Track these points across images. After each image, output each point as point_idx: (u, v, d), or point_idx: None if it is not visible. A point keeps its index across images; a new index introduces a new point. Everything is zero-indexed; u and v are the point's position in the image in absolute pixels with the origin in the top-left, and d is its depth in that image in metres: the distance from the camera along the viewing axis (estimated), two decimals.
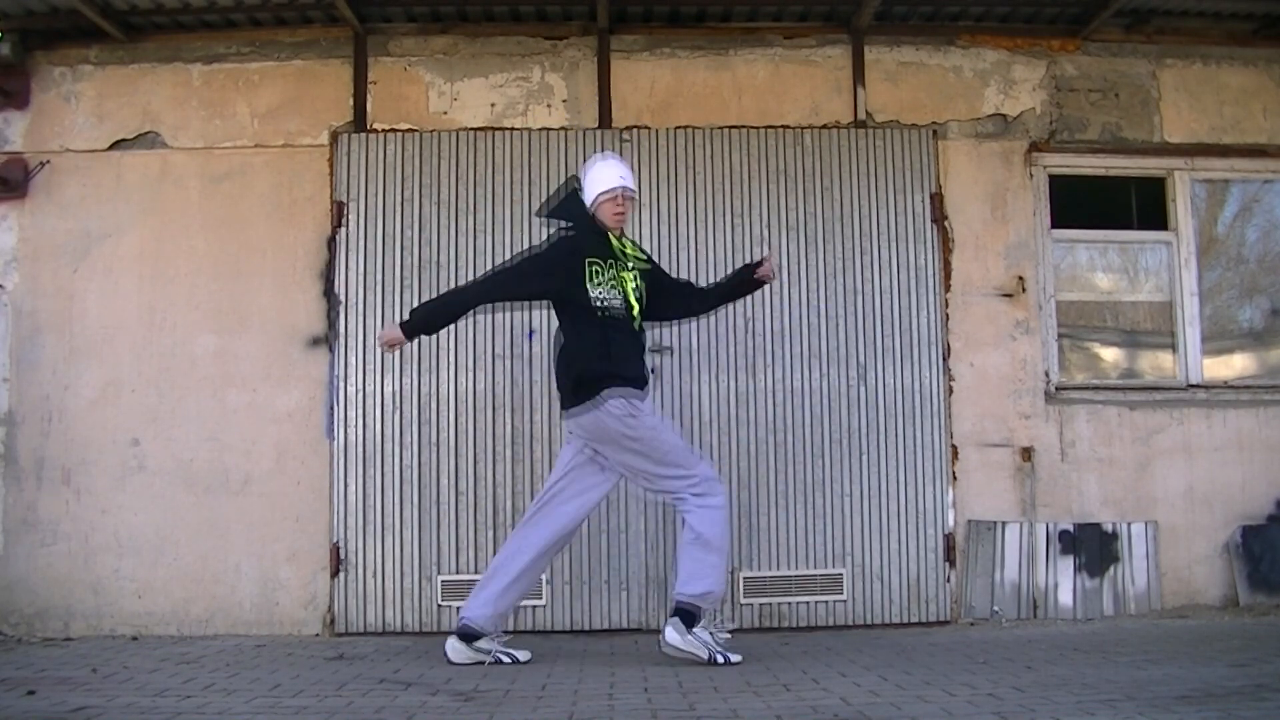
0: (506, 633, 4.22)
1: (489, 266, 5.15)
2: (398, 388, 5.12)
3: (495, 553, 4.97)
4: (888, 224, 5.30)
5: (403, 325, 4.19)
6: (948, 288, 5.31)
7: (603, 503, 5.02)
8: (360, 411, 5.10)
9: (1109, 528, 5.25)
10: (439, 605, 4.99)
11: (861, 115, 5.39)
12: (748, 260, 5.16)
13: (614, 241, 4.17)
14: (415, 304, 5.11)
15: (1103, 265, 5.70)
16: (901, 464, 5.17)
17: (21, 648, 4.75)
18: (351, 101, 5.31)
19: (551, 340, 4.39)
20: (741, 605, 5.05)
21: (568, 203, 4.25)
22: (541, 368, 5.11)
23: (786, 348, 5.20)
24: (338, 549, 5.03)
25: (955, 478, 5.22)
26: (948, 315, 5.30)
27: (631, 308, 4.13)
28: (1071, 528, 5.23)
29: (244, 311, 5.21)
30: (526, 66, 5.38)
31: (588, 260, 4.07)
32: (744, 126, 5.34)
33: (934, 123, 5.41)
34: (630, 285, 4.14)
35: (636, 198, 4.31)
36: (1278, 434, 5.39)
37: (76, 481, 5.11)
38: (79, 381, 5.16)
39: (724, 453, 5.12)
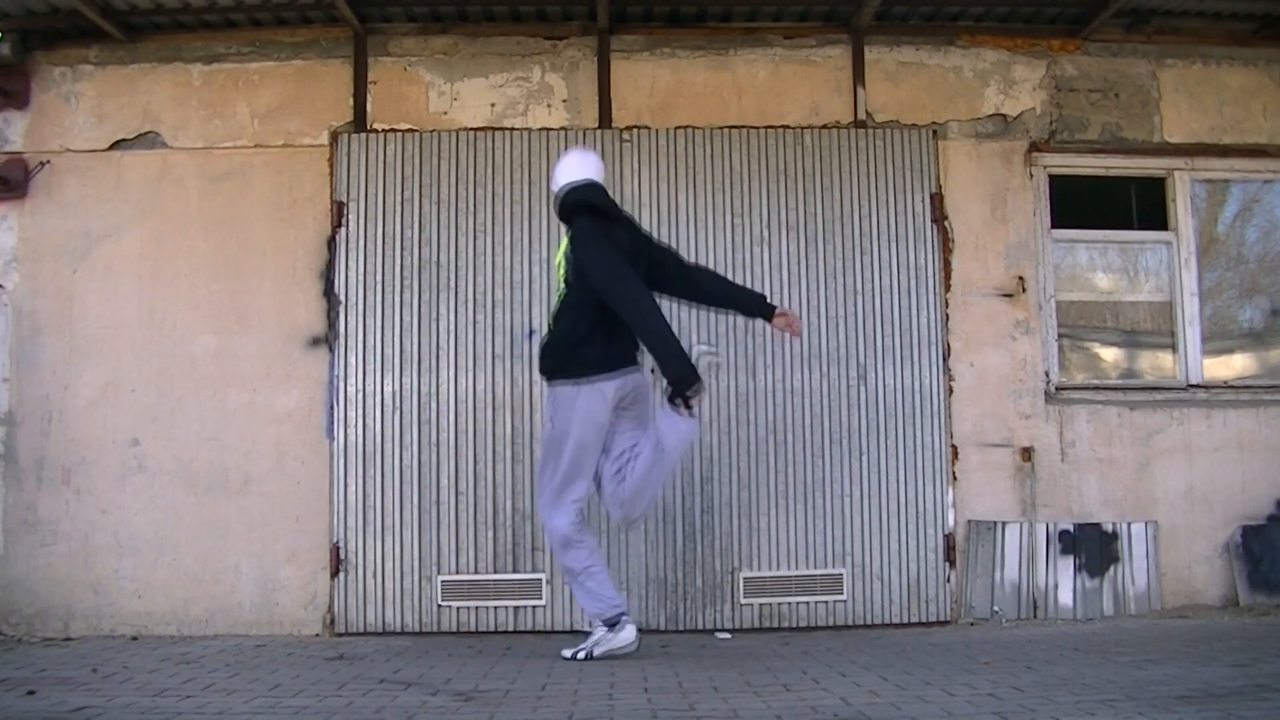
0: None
1: (489, 267, 5.16)
2: (398, 388, 5.12)
3: (497, 551, 5.00)
4: (888, 224, 5.30)
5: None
6: (948, 288, 5.31)
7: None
8: (360, 411, 5.10)
9: (1109, 528, 5.25)
10: (439, 605, 4.99)
11: (861, 115, 5.38)
12: (748, 260, 5.20)
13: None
14: (417, 304, 5.13)
15: (1103, 265, 5.69)
16: (901, 464, 5.17)
17: (21, 648, 4.75)
18: (351, 101, 5.31)
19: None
20: (741, 605, 5.04)
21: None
22: None
23: (786, 348, 5.19)
24: (338, 549, 5.03)
25: (955, 478, 5.21)
26: (948, 315, 5.30)
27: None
28: (1071, 528, 5.23)
29: (244, 311, 5.21)
30: (526, 66, 5.38)
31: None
32: (744, 126, 5.34)
33: (934, 123, 5.41)
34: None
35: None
36: (1278, 434, 5.39)
37: (76, 481, 5.11)
38: (79, 381, 5.16)
39: (724, 453, 5.12)
